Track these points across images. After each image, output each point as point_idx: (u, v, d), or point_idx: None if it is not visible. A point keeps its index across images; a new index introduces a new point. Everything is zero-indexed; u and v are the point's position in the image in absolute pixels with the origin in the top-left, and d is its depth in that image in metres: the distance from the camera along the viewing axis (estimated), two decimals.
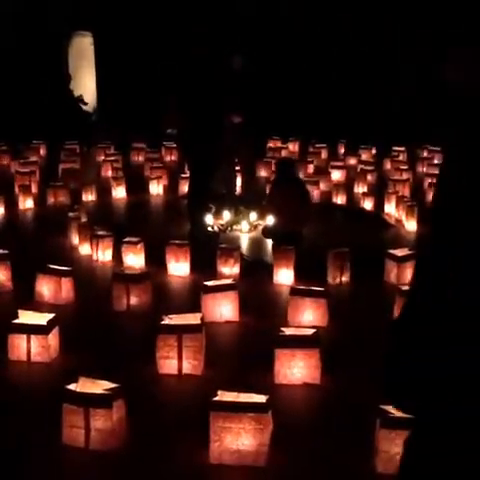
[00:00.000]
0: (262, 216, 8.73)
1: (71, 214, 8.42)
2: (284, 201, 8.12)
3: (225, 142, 8.42)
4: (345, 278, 6.88)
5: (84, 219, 8.28)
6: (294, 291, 5.89)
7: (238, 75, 8.83)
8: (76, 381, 3.98)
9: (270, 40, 15.02)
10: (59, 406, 3.92)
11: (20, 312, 5.14)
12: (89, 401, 3.88)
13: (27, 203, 9.94)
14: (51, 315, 5.17)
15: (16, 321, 5.08)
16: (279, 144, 14.36)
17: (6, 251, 6.67)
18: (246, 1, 10.97)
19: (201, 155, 8.06)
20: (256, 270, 7.13)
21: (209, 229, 8.51)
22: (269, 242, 8.07)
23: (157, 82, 14.55)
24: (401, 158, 13.41)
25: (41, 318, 5.12)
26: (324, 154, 13.62)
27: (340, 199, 10.57)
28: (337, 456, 3.82)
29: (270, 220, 8.27)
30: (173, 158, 13.41)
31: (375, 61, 15.47)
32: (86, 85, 17.05)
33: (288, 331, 4.91)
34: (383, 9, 12.56)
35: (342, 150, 14.10)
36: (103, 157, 13.03)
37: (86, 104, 15.94)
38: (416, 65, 13.35)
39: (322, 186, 10.97)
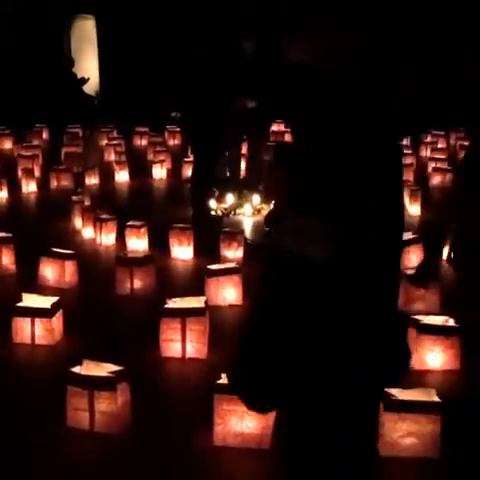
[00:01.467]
0: (266, 200, 8.71)
1: (74, 198, 8.41)
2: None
3: (228, 133, 8.40)
4: None
5: (87, 203, 8.28)
6: None
7: (250, 59, 8.77)
8: (80, 364, 4.00)
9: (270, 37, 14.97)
10: (63, 389, 3.94)
11: (24, 295, 5.15)
12: (93, 384, 3.89)
13: (30, 187, 9.94)
14: (55, 298, 5.18)
15: (20, 304, 5.10)
16: (283, 128, 14.32)
17: (10, 234, 6.67)
18: (246, 1, 10.94)
19: (203, 146, 8.06)
20: (260, 254, 7.12)
21: (212, 213, 8.50)
22: None
23: (159, 67, 14.50)
24: (404, 142, 13.37)
25: (45, 301, 5.13)
26: None
27: None
28: None
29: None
30: (176, 142, 13.38)
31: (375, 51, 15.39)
32: (89, 68, 17.00)
33: None
34: (383, 9, 12.46)
35: None
36: (106, 141, 13.01)
37: (87, 81, 15.84)
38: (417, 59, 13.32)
39: None
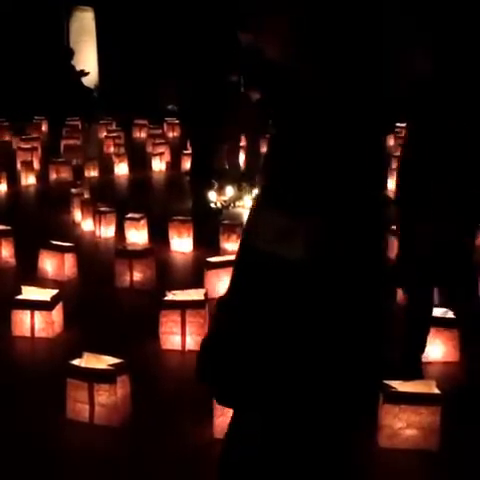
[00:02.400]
0: None
1: (73, 190, 8.40)
2: None
3: (227, 125, 8.38)
4: None
5: (87, 195, 8.27)
6: None
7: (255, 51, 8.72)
8: (80, 356, 3.99)
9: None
10: (63, 381, 3.93)
11: (23, 288, 5.15)
12: (93, 376, 3.89)
13: (29, 179, 9.93)
14: (54, 291, 5.18)
15: (19, 297, 5.09)
16: None
17: (9, 227, 6.67)
18: None
19: (201, 137, 8.04)
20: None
21: (211, 205, 8.48)
22: None
23: (159, 59, 14.46)
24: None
25: (44, 294, 5.12)
26: None
27: None
28: None
29: None
30: (175, 134, 13.37)
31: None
32: (87, 60, 16.97)
33: None
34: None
35: None
36: (105, 133, 12.99)
37: (86, 74, 15.81)
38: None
39: None
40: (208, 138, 8.05)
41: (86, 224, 7.68)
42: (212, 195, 8.56)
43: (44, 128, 13.90)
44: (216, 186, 8.79)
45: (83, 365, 3.95)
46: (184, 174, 9.97)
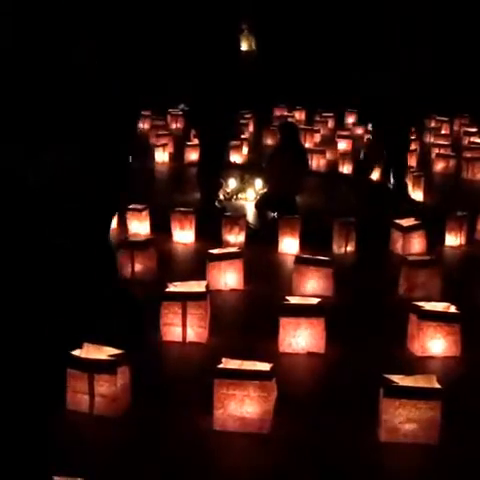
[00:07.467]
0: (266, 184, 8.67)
1: None
2: (281, 166, 8.04)
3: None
4: (350, 247, 6.86)
5: None
6: (299, 260, 5.88)
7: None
8: (81, 347, 3.99)
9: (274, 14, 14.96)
10: (63, 371, 3.93)
11: None
12: (93, 367, 3.88)
13: None
14: None
15: None
16: (285, 113, 14.28)
17: None
18: None
19: (214, 139, 8.03)
20: (261, 238, 7.11)
21: (217, 204, 8.30)
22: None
23: (165, 51, 14.42)
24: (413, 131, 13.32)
25: None
26: (331, 123, 13.54)
27: (346, 169, 10.53)
28: (340, 425, 3.83)
29: (262, 191, 8.28)
30: (179, 125, 13.34)
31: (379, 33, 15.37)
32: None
33: (293, 300, 4.90)
34: None
35: (349, 119, 14.02)
36: None
37: None
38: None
39: (328, 155, 10.91)
40: (221, 138, 8.06)
41: None
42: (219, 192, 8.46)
43: None
44: (224, 185, 8.71)
45: (83, 356, 3.95)
46: (187, 165, 9.95)
